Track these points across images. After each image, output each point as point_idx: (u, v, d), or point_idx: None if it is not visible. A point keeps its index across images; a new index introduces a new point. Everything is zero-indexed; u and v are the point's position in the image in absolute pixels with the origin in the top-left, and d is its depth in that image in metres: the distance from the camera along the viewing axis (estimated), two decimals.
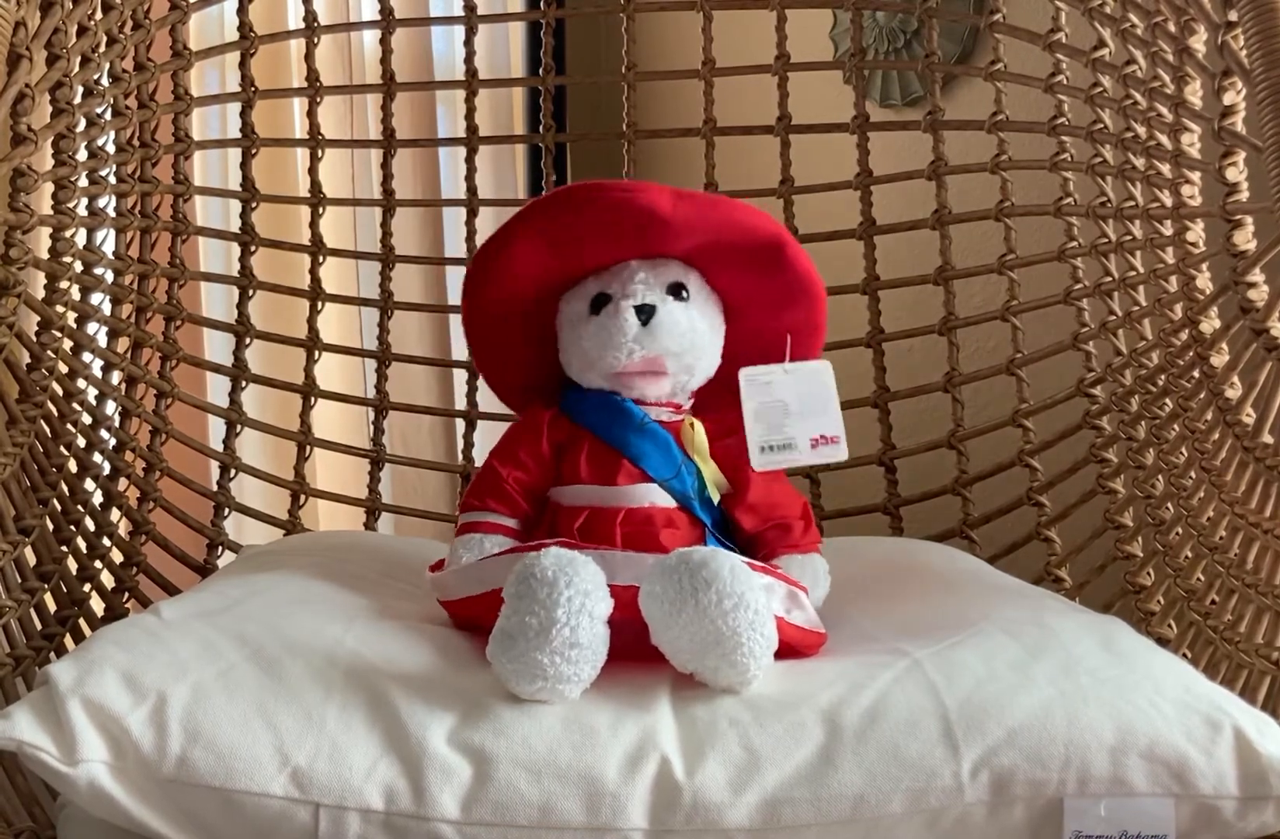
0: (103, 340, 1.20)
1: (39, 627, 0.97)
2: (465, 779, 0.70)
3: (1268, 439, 0.92)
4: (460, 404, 1.49)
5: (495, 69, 1.93)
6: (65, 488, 1.06)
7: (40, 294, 1.09)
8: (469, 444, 1.40)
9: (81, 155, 1.11)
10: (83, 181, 1.13)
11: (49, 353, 1.06)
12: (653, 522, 0.92)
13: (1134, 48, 1.11)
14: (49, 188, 1.09)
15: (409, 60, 1.79)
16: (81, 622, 1.04)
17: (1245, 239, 0.98)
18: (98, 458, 1.14)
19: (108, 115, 1.18)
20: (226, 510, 1.30)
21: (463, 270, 1.03)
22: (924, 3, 1.32)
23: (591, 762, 0.70)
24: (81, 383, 1.13)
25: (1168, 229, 1.09)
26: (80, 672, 0.73)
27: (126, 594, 1.15)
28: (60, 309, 1.09)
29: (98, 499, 1.13)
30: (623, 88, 1.42)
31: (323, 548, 1.12)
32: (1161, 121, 1.07)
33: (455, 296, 1.04)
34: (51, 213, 1.09)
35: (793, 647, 0.82)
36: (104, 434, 1.16)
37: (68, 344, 1.11)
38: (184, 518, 1.25)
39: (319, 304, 1.39)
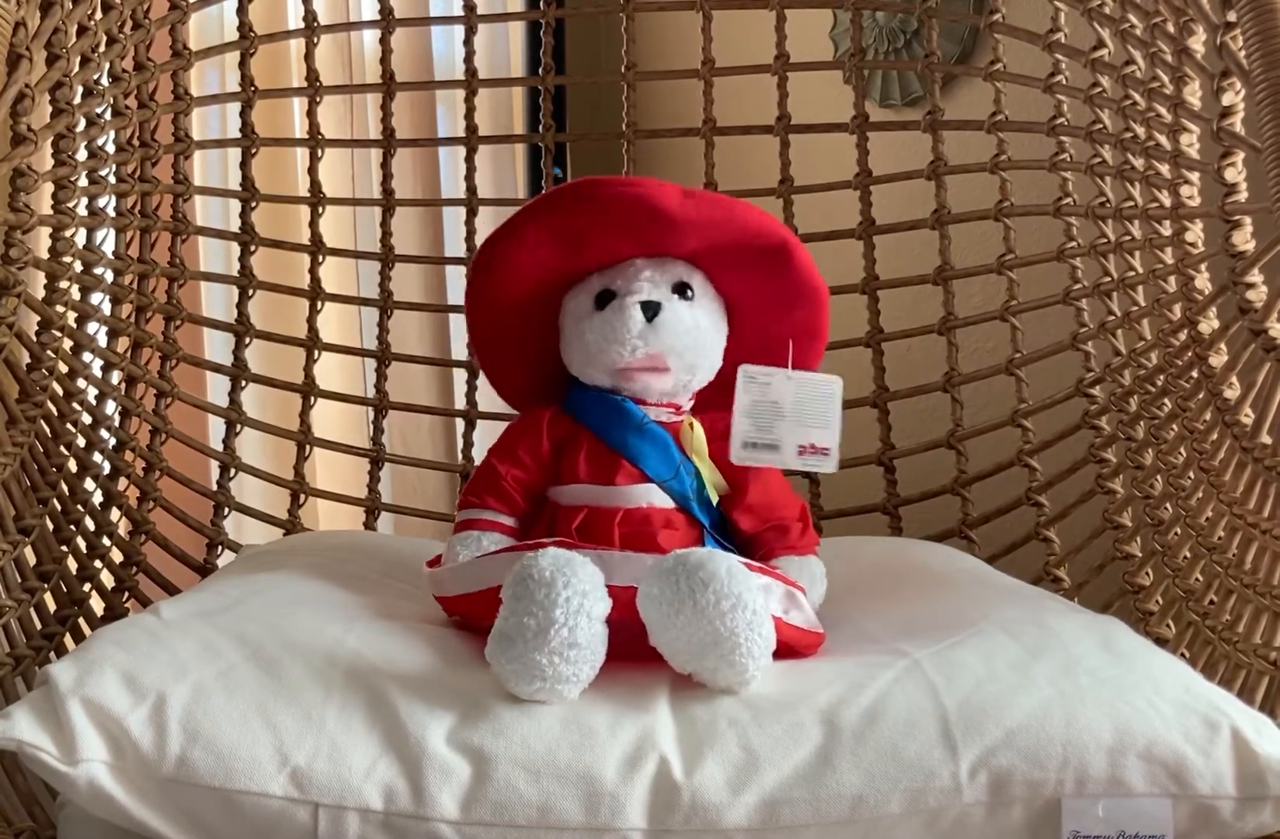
0: (102, 340, 1.20)
1: (39, 626, 0.97)
2: (464, 779, 0.70)
3: (1266, 439, 0.92)
4: (460, 404, 1.49)
5: (495, 69, 1.93)
6: (65, 487, 1.06)
7: (40, 294, 1.09)
8: (469, 444, 1.40)
9: (81, 155, 1.12)
10: (83, 181, 1.13)
11: (49, 353, 1.06)
12: (651, 522, 0.92)
13: (1133, 48, 1.11)
14: (49, 188, 1.09)
15: (409, 60, 1.79)
16: (81, 621, 1.04)
17: (1244, 239, 0.99)
18: (97, 457, 1.14)
19: (108, 115, 1.18)
20: (226, 510, 1.30)
21: (463, 270, 1.03)
22: (924, 3, 1.32)
23: (590, 762, 0.70)
24: (81, 383, 1.14)
25: (1167, 229, 1.09)
26: (80, 671, 0.73)
27: (126, 594, 1.15)
28: (60, 309, 1.09)
29: (98, 499, 1.13)
30: (622, 87, 1.42)
31: (323, 548, 1.12)
32: (1160, 122, 1.07)
33: (455, 296, 1.05)
34: (51, 213, 1.09)
35: (791, 647, 0.82)
36: (104, 434, 1.16)
37: (68, 344, 1.12)
38: (184, 517, 1.25)
39: (319, 304, 1.39)
